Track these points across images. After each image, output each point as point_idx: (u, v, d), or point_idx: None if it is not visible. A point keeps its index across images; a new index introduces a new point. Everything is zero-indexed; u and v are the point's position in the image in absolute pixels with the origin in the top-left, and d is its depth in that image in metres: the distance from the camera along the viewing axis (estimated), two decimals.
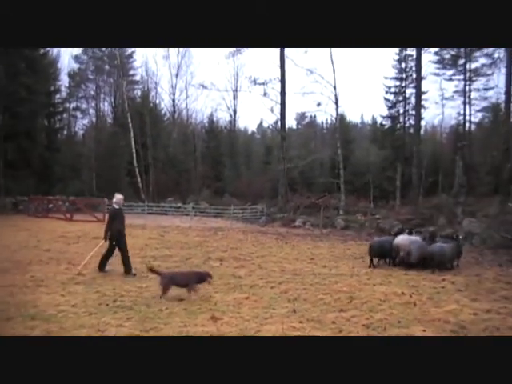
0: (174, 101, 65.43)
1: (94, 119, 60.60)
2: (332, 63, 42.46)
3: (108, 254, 12.88)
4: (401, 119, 53.62)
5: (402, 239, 15.46)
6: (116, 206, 13.17)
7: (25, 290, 10.36)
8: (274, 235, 26.30)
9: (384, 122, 55.99)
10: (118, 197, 13.29)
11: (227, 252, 18.15)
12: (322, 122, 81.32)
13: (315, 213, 35.80)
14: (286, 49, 43.91)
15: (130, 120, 50.76)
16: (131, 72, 62.06)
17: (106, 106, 62.31)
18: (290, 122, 79.45)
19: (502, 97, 38.90)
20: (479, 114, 54.98)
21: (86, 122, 62.09)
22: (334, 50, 41.63)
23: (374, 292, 10.87)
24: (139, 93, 61.39)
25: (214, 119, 65.16)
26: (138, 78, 63.05)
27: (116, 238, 12.72)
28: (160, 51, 64.54)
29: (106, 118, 61.70)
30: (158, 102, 64.44)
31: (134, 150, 50.62)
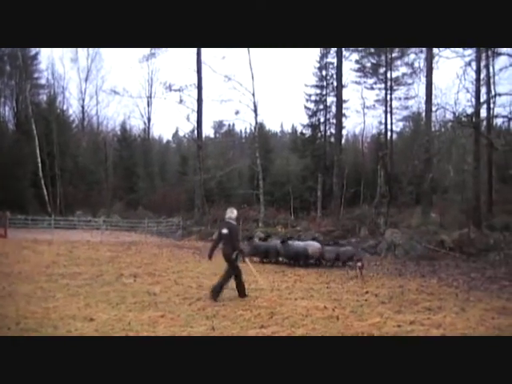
0: (83, 107, 64.68)
1: None
2: (251, 69, 43.09)
3: (228, 279, 11.88)
4: (322, 128, 54.83)
5: (314, 244, 20.31)
6: (234, 222, 11.98)
7: None
8: (191, 249, 26.19)
9: (304, 131, 57.13)
10: (235, 211, 12.10)
11: (141, 268, 17.91)
12: (241, 131, 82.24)
13: None
14: (202, 54, 44.07)
15: (34, 127, 49.26)
16: (36, 75, 59.96)
17: (6, 111, 59.65)
18: (207, 131, 79.83)
19: (423, 106, 40.37)
20: (400, 124, 57.27)
21: None
22: (252, 55, 42.22)
23: (296, 307, 10.94)
24: (45, 97, 59.74)
25: (127, 127, 64.67)
26: (43, 81, 61.20)
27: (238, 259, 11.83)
28: (67, 53, 63.16)
29: (7, 124, 59.09)
30: (65, 107, 63.22)
31: (39, 159, 49.19)
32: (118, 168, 59.09)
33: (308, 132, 56.19)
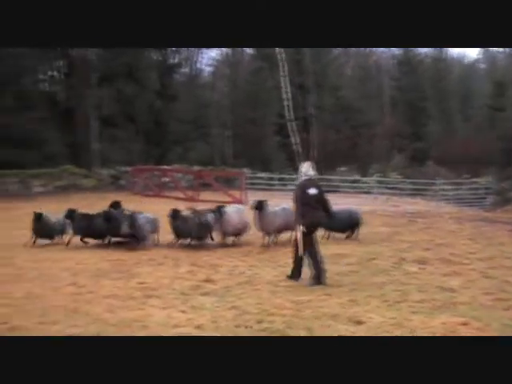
0: None
1: (226, 49, 58.24)
2: None
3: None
4: None
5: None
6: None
7: (129, 302, 10.71)
8: (508, 225, 25.53)
9: None
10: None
11: (431, 250, 17.72)
12: None
13: None
14: None
15: (279, 50, 49.98)
16: None
17: None
18: None
19: None
20: None
21: (214, 54, 61.12)
22: None
23: None
24: None
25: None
26: None
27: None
28: None
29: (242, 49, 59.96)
30: None
31: (286, 96, 50.30)
32: (397, 104, 58.93)
33: None
